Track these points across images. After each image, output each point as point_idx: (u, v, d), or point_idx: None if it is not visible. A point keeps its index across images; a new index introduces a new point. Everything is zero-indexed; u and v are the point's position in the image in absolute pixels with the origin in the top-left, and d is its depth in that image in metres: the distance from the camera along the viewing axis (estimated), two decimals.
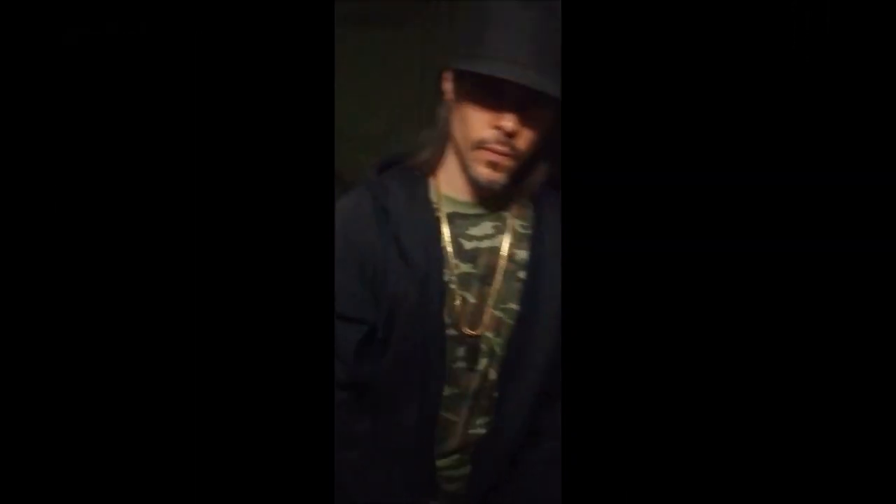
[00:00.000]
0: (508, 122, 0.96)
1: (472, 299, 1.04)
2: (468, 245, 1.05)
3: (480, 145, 0.99)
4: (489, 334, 1.04)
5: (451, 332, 1.03)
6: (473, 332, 1.03)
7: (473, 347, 1.04)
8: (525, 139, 0.99)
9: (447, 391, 1.04)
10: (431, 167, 1.08)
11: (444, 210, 1.06)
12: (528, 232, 1.07)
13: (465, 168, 1.03)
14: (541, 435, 1.09)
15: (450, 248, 1.04)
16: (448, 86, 1.03)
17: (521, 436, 1.06)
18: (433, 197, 1.06)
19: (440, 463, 1.06)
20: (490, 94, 0.96)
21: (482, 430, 1.06)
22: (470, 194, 1.06)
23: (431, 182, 1.07)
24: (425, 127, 1.09)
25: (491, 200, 1.06)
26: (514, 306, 1.04)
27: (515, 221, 1.07)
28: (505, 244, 1.05)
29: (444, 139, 1.06)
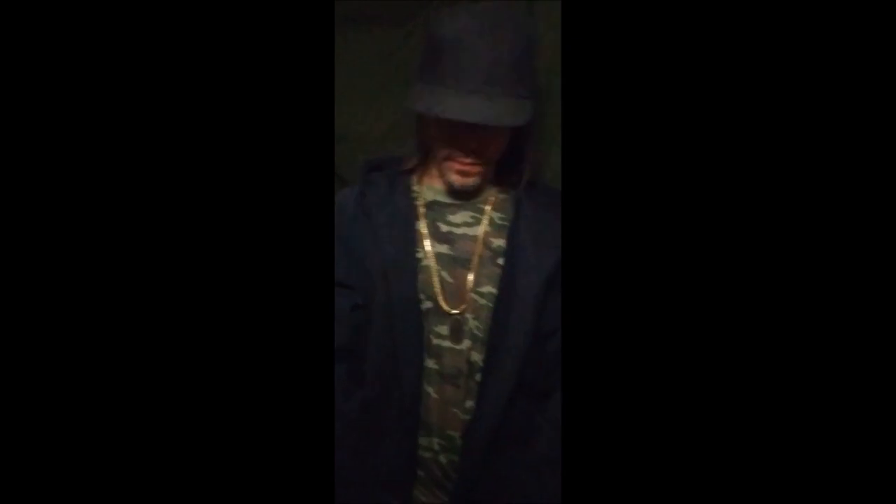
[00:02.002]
0: (469, 141, 1.07)
1: (450, 279, 1.10)
2: (445, 228, 1.13)
3: (448, 158, 1.10)
4: (469, 316, 1.08)
5: (428, 305, 1.09)
6: (454, 311, 1.08)
7: (456, 326, 1.08)
8: (490, 149, 1.09)
9: (430, 364, 1.08)
10: (414, 170, 1.18)
11: (423, 199, 1.16)
12: (506, 223, 1.14)
13: (442, 172, 1.14)
14: (534, 435, 1.10)
15: (424, 230, 1.12)
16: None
17: (502, 425, 1.06)
18: (415, 188, 1.17)
19: (421, 441, 1.09)
20: (447, 119, 1.03)
21: (466, 417, 1.07)
22: (448, 191, 1.15)
23: (414, 178, 1.18)
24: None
25: (469, 196, 1.15)
26: (492, 290, 1.09)
27: (494, 213, 1.14)
28: (481, 231, 1.12)
29: (423, 150, 1.17)
